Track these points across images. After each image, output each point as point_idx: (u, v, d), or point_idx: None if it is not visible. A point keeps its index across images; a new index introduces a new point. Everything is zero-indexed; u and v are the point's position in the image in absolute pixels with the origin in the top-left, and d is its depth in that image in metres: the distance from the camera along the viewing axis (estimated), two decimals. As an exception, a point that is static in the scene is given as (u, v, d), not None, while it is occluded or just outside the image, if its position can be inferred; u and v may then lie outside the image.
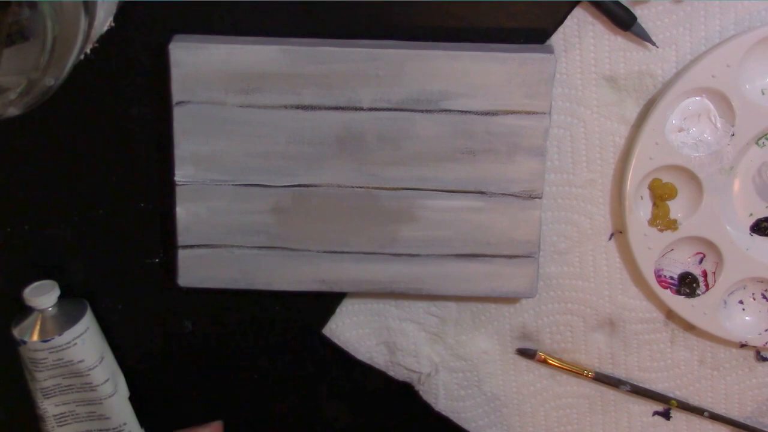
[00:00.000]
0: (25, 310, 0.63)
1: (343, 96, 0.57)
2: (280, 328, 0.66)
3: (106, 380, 0.64)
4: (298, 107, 0.57)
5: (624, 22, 0.56)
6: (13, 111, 0.47)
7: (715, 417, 0.66)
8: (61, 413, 0.64)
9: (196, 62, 0.56)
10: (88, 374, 0.63)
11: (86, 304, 0.64)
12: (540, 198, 0.59)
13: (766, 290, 0.62)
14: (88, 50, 0.57)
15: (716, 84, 0.57)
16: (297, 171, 0.59)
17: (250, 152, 0.58)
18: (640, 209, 0.60)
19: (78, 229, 0.63)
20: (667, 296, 0.62)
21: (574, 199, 0.61)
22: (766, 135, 0.59)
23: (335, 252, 0.60)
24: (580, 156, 0.60)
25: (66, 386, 0.63)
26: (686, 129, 0.59)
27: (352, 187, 0.59)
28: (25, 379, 0.64)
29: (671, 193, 0.60)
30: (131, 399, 0.66)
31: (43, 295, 0.62)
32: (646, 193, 0.60)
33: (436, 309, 0.65)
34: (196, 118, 0.57)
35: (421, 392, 0.67)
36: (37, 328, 0.62)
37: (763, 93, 0.58)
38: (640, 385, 0.66)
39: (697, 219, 0.60)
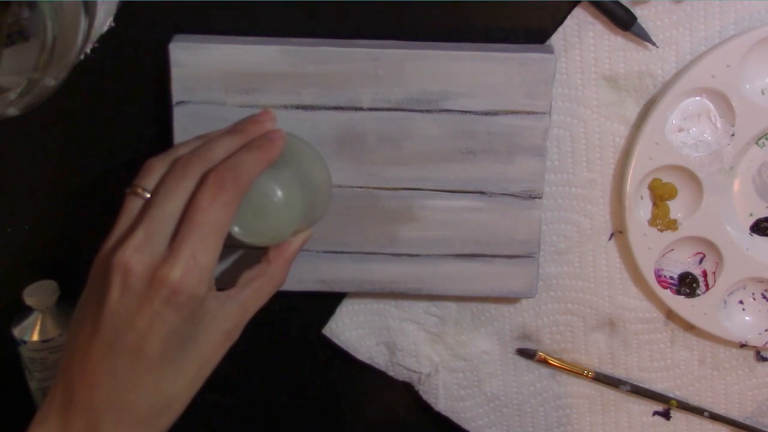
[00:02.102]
0: (25, 310, 0.63)
1: (343, 96, 0.57)
2: (280, 328, 0.66)
3: (106, 380, 0.64)
4: (298, 107, 0.57)
5: (624, 22, 0.56)
6: (13, 111, 0.47)
7: (715, 417, 0.66)
8: (61, 413, 0.64)
9: (196, 62, 0.56)
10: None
11: (86, 304, 0.64)
12: (540, 198, 0.59)
13: (766, 290, 0.62)
14: (88, 50, 0.57)
15: (716, 84, 0.57)
16: (297, 171, 0.59)
17: (250, 152, 0.58)
18: (640, 209, 0.60)
19: (78, 229, 0.63)
20: (667, 296, 0.62)
21: (574, 199, 0.61)
22: (766, 135, 0.59)
23: (335, 252, 0.60)
24: (580, 156, 0.60)
25: (66, 386, 0.63)
26: (686, 129, 0.59)
27: (352, 187, 0.59)
28: (25, 379, 0.64)
29: (671, 193, 0.60)
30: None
31: (43, 295, 0.62)
32: (646, 193, 0.60)
33: (436, 309, 0.65)
34: (196, 118, 0.57)
35: (421, 392, 0.67)
36: (37, 328, 0.62)
37: (763, 93, 0.58)
38: (640, 385, 0.66)
39: (697, 219, 0.60)
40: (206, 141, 0.50)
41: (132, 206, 0.48)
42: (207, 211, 0.45)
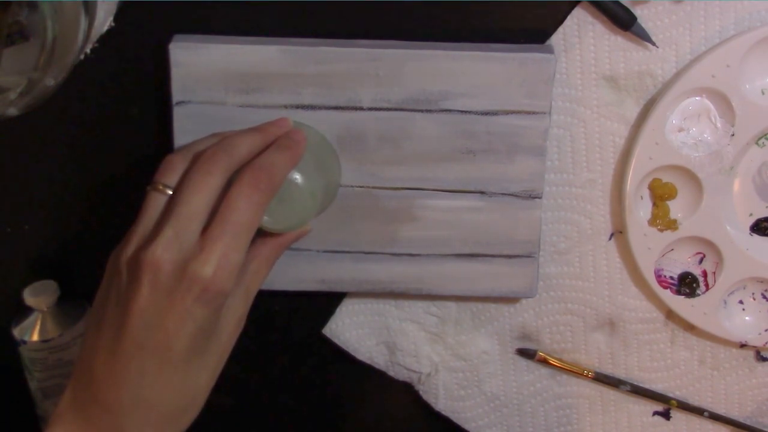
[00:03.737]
0: (25, 310, 0.63)
1: (343, 96, 0.57)
2: (280, 328, 0.66)
3: (106, 380, 0.64)
4: (298, 107, 0.57)
5: (624, 22, 0.56)
6: (13, 111, 0.47)
7: (715, 417, 0.66)
8: (61, 413, 0.64)
9: (196, 62, 0.56)
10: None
11: (86, 304, 0.64)
12: (540, 198, 0.59)
13: (766, 290, 0.62)
14: (88, 50, 0.57)
15: (716, 84, 0.57)
16: (297, 171, 0.59)
17: (250, 152, 0.58)
18: (640, 209, 0.60)
19: (78, 229, 0.63)
20: (667, 296, 0.62)
21: (574, 199, 0.61)
22: (766, 135, 0.59)
23: (335, 252, 0.60)
24: (580, 156, 0.60)
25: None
26: (686, 129, 0.59)
27: (352, 186, 0.59)
28: (25, 379, 0.64)
29: (671, 193, 0.60)
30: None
31: (43, 295, 0.62)
32: (646, 193, 0.60)
33: (436, 309, 0.65)
34: (196, 118, 0.57)
35: (421, 392, 0.67)
36: (37, 328, 0.62)
37: (763, 93, 0.58)
38: (640, 385, 0.66)
39: (697, 219, 0.60)
40: (226, 137, 0.50)
41: (154, 203, 0.48)
42: (243, 211, 0.46)
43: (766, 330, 0.62)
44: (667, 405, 0.66)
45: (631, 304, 0.64)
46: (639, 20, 0.56)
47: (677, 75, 0.58)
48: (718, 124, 0.58)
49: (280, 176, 0.48)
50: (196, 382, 0.48)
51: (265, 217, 0.51)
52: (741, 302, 0.63)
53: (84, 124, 0.60)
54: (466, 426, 0.67)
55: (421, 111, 0.57)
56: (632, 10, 0.56)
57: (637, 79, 0.58)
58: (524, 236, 0.60)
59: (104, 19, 0.55)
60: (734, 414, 0.67)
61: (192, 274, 0.45)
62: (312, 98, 0.57)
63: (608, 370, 0.66)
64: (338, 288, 0.62)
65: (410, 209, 0.59)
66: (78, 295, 0.64)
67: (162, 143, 0.59)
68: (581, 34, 0.58)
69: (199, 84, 0.56)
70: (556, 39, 0.58)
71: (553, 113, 0.59)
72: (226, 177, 0.47)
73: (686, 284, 0.62)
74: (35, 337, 0.62)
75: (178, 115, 0.57)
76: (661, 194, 0.60)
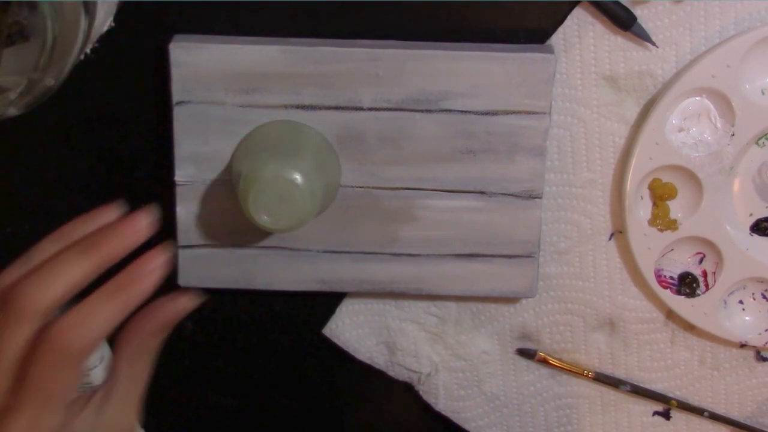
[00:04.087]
0: (25, 310, 0.63)
1: (343, 96, 0.57)
2: (280, 328, 0.66)
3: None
4: (298, 107, 0.57)
5: (624, 22, 0.56)
6: (13, 111, 0.47)
7: (715, 417, 0.66)
8: (61, 413, 0.64)
9: (196, 62, 0.56)
10: (88, 375, 0.63)
11: (86, 304, 0.64)
12: (540, 198, 0.59)
13: (766, 290, 0.62)
14: (88, 50, 0.57)
15: (716, 84, 0.57)
16: (297, 171, 0.59)
17: (250, 152, 0.58)
18: (640, 209, 0.60)
19: (78, 229, 0.63)
20: (667, 296, 0.62)
21: (574, 199, 0.61)
22: (766, 135, 0.59)
23: (335, 252, 0.60)
24: (580, 156, 0.60)
25: (66, 386, 0.63)
26: (686, 129, 0.59)
27: (352, 186, 0.59)
28: (25, 379, 0.64)
29: (671, 193, 0.60)
30: (131, 399, 0.66)
31: (43, 295, 0.62)
32: (646, 193, 0.60)
33: (436, 309, 0.65)
34: (196, 118, 0.57)
35: (421, 392, 0.67)
36: (37, 328, 0.62)
37: (763, 93, 0.58)
38: (640, 385, 0.66)
39: (697, 219, 0.60)
40: (40, 267, 0.42)
41: None
42: (41, 379, 0.40)
43: (766, 330, 0.62)
44: (667, 405, 0.66)
45: (631, 304, 0.64)
46: (639, 20, 0.56)
47: (677, 75, 0.58)
48: (718, 124, 0.58)
49: (92, 335, 0.40)
50: None
51: (265, 217, 0.51)
52: (741, 302, 0.63)
53: (84, 124, 0.60)
54: (466, 426, 0.67)
55: (421, 111, 0.57)
56: (632, 10, 0.56)
57: (637, 79, 0.58)
58: (524, 236, 0.60)
59: (104, 19, 0.55)
60: (734, 414, 0.66)
61: None
62: (312, 98, 0.57)
63: (608, 370, 0.66)
64: (338, 288, 0.62)
65: (410, 209, 0.59)
66: (78, 296, 0.64)
67: (162, 143, 0.59)
68: (581, 34, 0.58)
69: (199, 84, 0.56)
70: (556, 39, 0.58)
71: (553, 113, 0.59)
72: (34, 326, 0.40)
73: (686, 284, 0.62)
74: (35, 338, 0.62)
75: (178, 115, 0.57)
76: (661, 194, 0.60)
